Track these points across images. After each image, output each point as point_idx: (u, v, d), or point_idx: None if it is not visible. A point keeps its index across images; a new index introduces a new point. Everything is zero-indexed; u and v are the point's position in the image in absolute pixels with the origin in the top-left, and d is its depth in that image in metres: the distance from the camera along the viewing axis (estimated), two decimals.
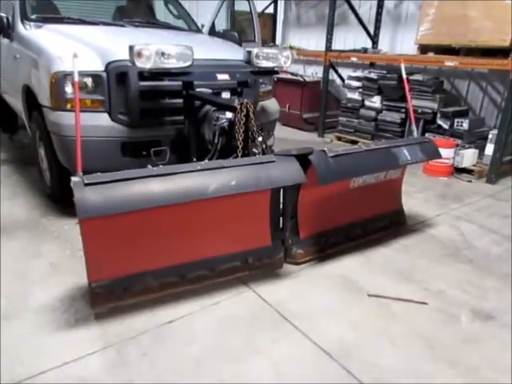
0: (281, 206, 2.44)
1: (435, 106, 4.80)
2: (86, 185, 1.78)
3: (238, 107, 2.44)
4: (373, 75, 5.49)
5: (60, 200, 3.11)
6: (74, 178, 1.80)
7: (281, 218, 2.46)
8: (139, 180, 1.88)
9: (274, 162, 2.17)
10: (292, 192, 2.41)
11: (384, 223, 2.95)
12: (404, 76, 3.13)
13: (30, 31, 3.27)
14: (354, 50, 5.85)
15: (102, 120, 2.73)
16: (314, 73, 6.94)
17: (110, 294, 2.01)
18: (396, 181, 2.99)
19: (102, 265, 1.99)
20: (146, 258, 2.08)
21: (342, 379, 1.71)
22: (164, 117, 2.89)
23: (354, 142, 5.04)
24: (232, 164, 2.12)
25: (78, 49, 2.64)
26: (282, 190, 2.37)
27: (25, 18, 3.37)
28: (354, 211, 2.74)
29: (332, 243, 2.66)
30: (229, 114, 2.62)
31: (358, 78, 5.74)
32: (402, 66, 3.15)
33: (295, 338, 1.94)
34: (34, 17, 3.40)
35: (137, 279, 2.07)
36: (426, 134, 4.84)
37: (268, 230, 2.38)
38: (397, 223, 3.06)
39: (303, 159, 2.25)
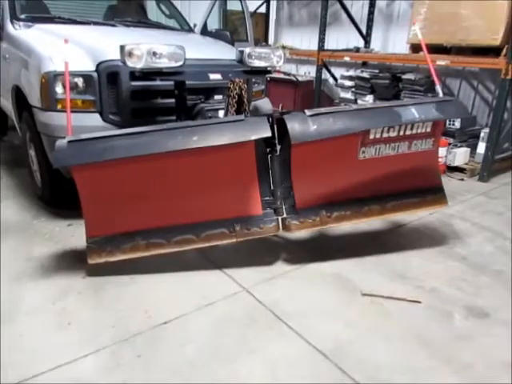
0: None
1: None
2: (70, 142, 2.05)
3: (231, 85, 2.48)
4: (365, 74, 5.50)
5: (51, 201, 3.08)
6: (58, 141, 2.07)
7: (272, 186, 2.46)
8: (120, 136, 2.15)
9: (242, 120, 2.28)
10: (280, 156, 2.41)
11: (413, 200, 2.67)
12: (420, 37, 3.38)
13: (19, 31, 3.24)
14: (347, 50, 5.86)
15: (94, 120, 2.71)
16: (306, 72, 6.95)
17: (103, 250, 2.25)
18: (427, 153, 2.64)
19: (97, 222, 2.24)
20: (136, 218, 2.28)
21: (337, 378, 1.71)
22: (156, 117, 2.87)
23: None
24: (199, 123, 2.30)
25: (68, 49, 2.63)
26: (269, 157, 2.41)
27: (14, 17, 3.33)
28: (368, 185, 2.54)
29: (336, 217, 2.52)
30: (221, 113, 2.62)
31: (350, 78, 5.75)
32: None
33: (290, 337, 1.93)
34: (23, 16, 3.36)
35: (127, 238, 2.27)
36: None
37: (258, 197, 2.39)
38: (432, 202, 2.73)
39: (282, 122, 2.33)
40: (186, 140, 2.15)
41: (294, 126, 2.29)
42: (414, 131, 2.53)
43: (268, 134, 2.24)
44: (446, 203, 2.77)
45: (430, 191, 2.73)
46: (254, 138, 2.24)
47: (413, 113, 2.45)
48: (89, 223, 2.24)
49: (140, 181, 2.21)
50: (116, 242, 2.27)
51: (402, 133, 2.49)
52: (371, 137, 2.44)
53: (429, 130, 2.58)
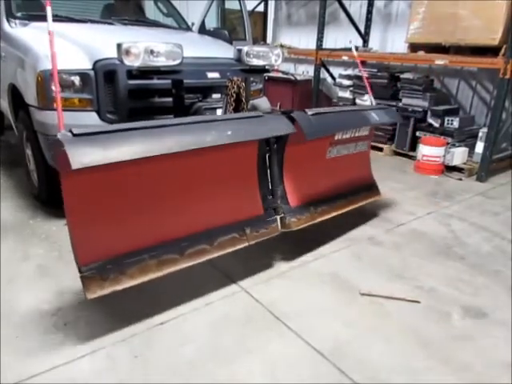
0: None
1: (426, 104, 4.82)
2: (75, 135, 1.64)
3: (229, 84, 2.48)
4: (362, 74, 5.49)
5: (48, 201, 3.05)
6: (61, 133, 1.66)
7: (270, 186, 2.50)
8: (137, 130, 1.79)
9: (261, 116, 2.25)
10: (277, 156, 2.47)
11: (359, 194, 3.04)
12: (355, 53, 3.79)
13: (15, 29, 3.21)
14: (345, 49, 5.85)
15: (91, 119, 2.69)
16: (305, 71, 6.94)
17: (104, 278, 1.80)
18: (365, 154, 3.15)
19: (93, 244, 1.79)
20: (141, 232, 1.91)
21: (335, 379, 1.70)
22: (154, 115, 2.85)
23: None
24: (225, 118, 2.21)
25: (65, 47, 2.61)
26: (267, 156, 2.43)
27: (10, 15, 3.31)
28: (333, 181, 2.83)
29: (321, 212, 2.69)
30: (219, 112, 2.61)
31: (348, 77, 5.75)
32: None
33: (288, 338, 1.92)
34: (19, 15, 3.34)
35: (132, 258, 1.88)
36: (417, 133, 4.87)
37: (258, 197, 2.40)
38: (370, 194, 3.16)
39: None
40: (220, 135, 1.95)
41: (305, 123, 2.35)
42: (359, 134, 2.88)
43: (293, 130, 2.28)
44: (379, 195, 3.25)
45: (370, 186, 3.20)
46: (280, 133, 2.28)
47: (374, 117, 2.86)
48: (79, 247, 1.75)
49: (146, 186, 1.88)
50: (119, 265, 1.84)
51: (352, 135, 2.82)
52: (336, 138, 2.71)
53: (367, 133, 2.99)
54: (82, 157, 1.58)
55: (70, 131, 1.65)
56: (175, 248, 2.02)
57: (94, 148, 1.62)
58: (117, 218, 1.87)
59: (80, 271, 1.78)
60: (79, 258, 1.77)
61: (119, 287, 1.83)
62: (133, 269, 1.89)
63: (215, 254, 2.15)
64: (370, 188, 3.19)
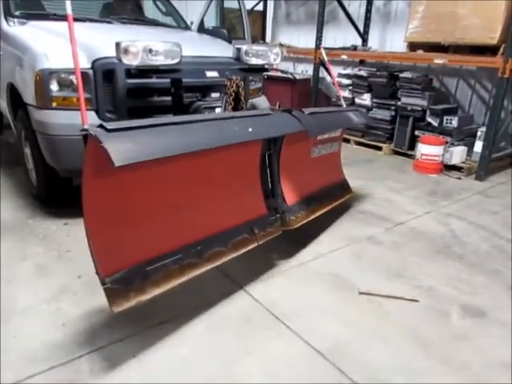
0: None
1: (425, 103, 4.82)
2: (110, 131, 1.51)
3: (228, 83, 2.48)
4: (363, 73, 5.49)
5: (46, 201, 3.05)
6: (91, 128, 1.53)
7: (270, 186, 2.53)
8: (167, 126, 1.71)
9: (270, 114, 2.28)
10: (275, 155, 2.50)
11: (337, 192, 3.15)
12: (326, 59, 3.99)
13: (13, 28, 3.20)
14: (344, 48, 5.86)
15: (90, 118, 2.65)
16: (304, 70, 6.94)
17: (130, 289, 1.67)
18: (337, 153, 3.28)
19: (116, 252, 1.67)
20: (165, 236, 1.84)
21: (335, 379, 1.70)
22: (153, 114, 2.84)
23: (345, 140, 5.03)
24: (239, 115, 2.22)
25: (63, 46, 2.60)
26: (266, 155, 2.45)
27: (8, 14, 3.29)
28: (318, 179, 2.93)
29: (312, 209, 2.74)
30: (218, 111, 2.61)
31: (348, 76, 5.74)
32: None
33: (287, 337, 1.92)
34: (17, 13, 3.32)
35: (156, 265, 1.79)
36: (416, 132, 4.88)
37: (261, 197, 2.42)
38: (346, 192, 3.29)
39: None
40: (243, 132, 1.93)
41: (307, 122, 2.38)
42: (334, 135, 2.98)
43: (302, 128, 2.32)
44: (352, 192, 3.35)
45: (344, 184, 3.33)
46: (292, 131, 2.30)
47: (354, 117, 3.00)
48: (101, 256, 1.62)
49: (164, 188, 1.79)
50: (143, 273, 1.74)
51: (329, 136, 2.94)
52: (318, 138, 2.79)
53: (338, 134, 3.10)
54: (123, 153, 1.46)
55: (101, 126, 1.53)
56: (194, 252, 1.95)
57: (132, 144, 1.52)
58: (138, 222, 1.78)
59: (103, 283, 1.64)
60: (101, 269, 1.63)
61: (146, 297, 1.72)
62: (157, 276, 1.79)
63: (230, 256, 2.10)
64: (344, 186, 3.32)
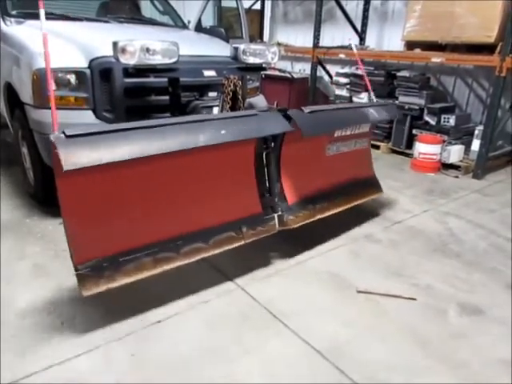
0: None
1: (422, 102, 4.83)
2: (68, 137, 1.66)
3: (226, 82, 2.48)
4: (360, 72, 5.49)
5: (44, 200, 3.04)
6: (53, 134, 1.67)
7: (267, 184, 2.51)
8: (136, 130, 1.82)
9: (256, 115, 2.24)
10: (274, 153, 2.47)
11: (361, 191, 3.04)
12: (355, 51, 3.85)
13: (10, 27, 3.19)
14: (342, 47, 5.85)
15: (87, 118, 2.68)
16: (301, 69, 6.93)
17: (100, 276, 1.85)
18: (365, 150, 3.16)
19: (89, 242, 1.84)
20: (138, 230, 1.96)
21: (334, 378, 1.70)
22: (150, 114, 2.84)
23: None
24: (219, 117, 2.20)
25: (60, 45, 2.59)
26: (264, 154, 2.43)
27: (5, 13, 3.28)
28: (332, 178, 2.84)
29: (320, 209, 2.69)
30: (216, 110, 2.60)
31: (345, 75, 5.75)
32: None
33: (286, 336, 1.92)
34: (14, 12, 3.31)
35: (129, 256, 1.92)
36: (414, 130, 4.88)
37: (257, 195, 2.41)
38: (372, 191, 3.16)
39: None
40: (214, 134, 1.97)
41: (302, 121, 2.35)
42: (358, 131, 2.88)
43: (289, 128, 2.28)
44: (381, 191, 3.23)
45: (371, 183, 3.19)
46: (275, 132, 2.28)
47: (374, 114, 2.86)
48: (76, 245, 1.80)
49: (141, 185, 1.92)
50: (115, 263, 1.88)
51: (352, 132, 2.82)
52: (335, 135, 2.72)
53: (367, 130, 2.98)
54: (73, 158, 1.60)
55: (63, 132, 1.67)
56: (171, 246, 2.06)
57: (86, 149, 1.65)
58: (112, 217, 1.91)
59: (76, 269, 1.82)
60: (75, 257, 1.81)
61: (115, 284, 1.87)
62: (128, 266, 1.93)
63: (211, 252, 2.18)
64: (371, 185, 3.18)
